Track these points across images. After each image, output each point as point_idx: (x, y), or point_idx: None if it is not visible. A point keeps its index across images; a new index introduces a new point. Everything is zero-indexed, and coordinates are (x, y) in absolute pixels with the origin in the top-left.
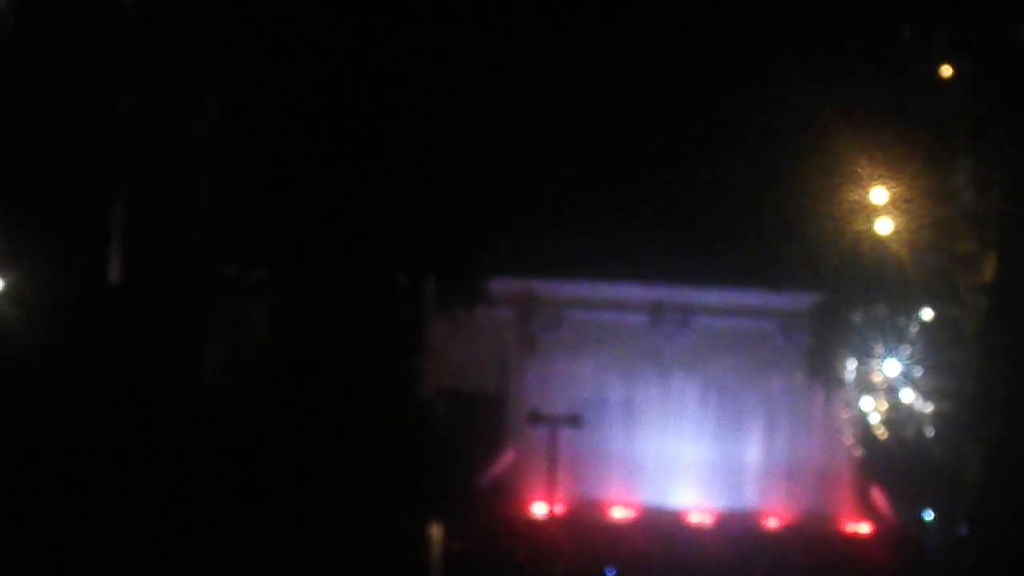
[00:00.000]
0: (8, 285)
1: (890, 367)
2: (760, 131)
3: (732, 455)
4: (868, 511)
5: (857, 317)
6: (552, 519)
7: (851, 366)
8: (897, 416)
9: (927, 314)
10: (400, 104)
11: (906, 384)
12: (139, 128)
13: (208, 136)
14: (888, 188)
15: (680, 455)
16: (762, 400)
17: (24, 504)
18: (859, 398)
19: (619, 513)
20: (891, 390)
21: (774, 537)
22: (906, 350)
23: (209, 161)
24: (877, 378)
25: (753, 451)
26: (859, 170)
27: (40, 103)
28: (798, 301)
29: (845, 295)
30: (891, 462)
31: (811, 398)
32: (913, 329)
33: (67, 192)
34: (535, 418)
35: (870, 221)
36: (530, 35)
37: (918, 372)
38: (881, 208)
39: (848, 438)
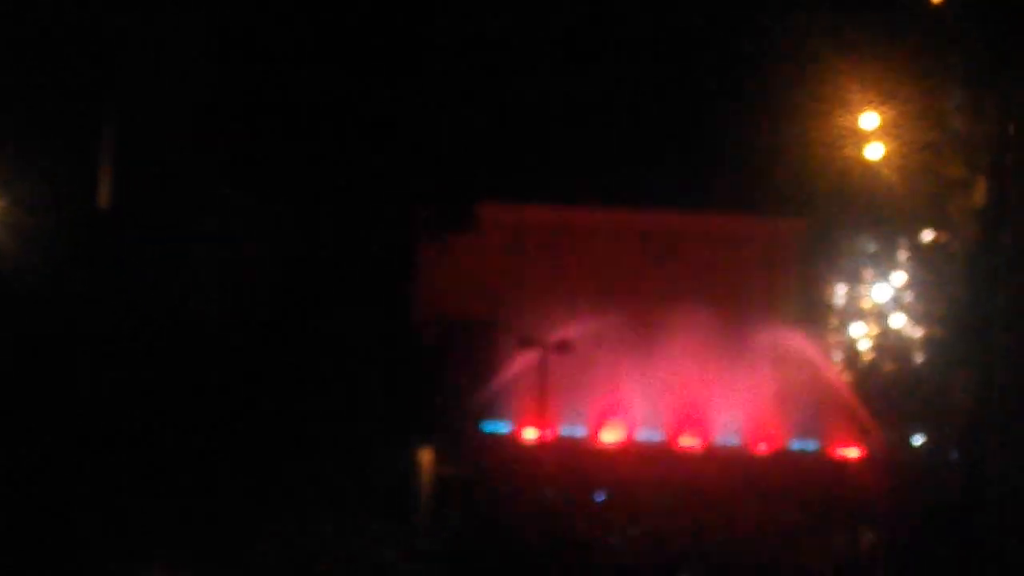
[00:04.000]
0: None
1: (880, 292)
2: (750, 57)
3: (722, 382)
4: (858, 436)
5: (847, 243)
6: (542, 444)
7: (841, 292)
8: (887, 341)
9: (917, 239)
10: (391, 31)
11: (896, 309)
12: (128, 52)
13: (198, 60)
14: (878, 113)
15: (668, 381)
16: (751, 326)
17: (20, 430)
18: (849, 324)
19: (609, 438)
20: (881, 316)
21: (764, 462)
22: (896, 275)
23: (198, 86)
24: (867, 304)
25: (743, 378)
26: (849, 95)
27: (28, 30)
28: (788, 227)
29: (835, 221)
30: (881, 387)
31: (802, 325)
32: (903, 254)
33: (57, 118)
34: (525, 343)
35: (860, 146)
36: None
37: (908, 297)
38: (871, 133)
39: (839, 364)
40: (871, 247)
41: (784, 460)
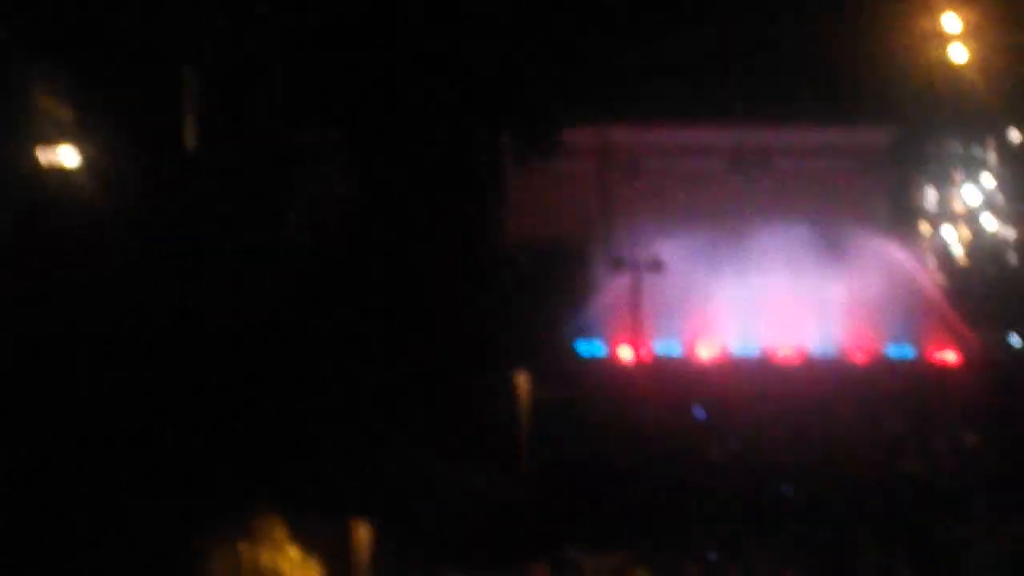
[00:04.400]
0: (85, 159)
1: (971, 195)
2: None
3: (817, 293)
4: (955, 340)
5: (936, 148)
6: (639, 363)
7: (932, 197)
8: (980, 243)
9: (1005, 139)
10: None
11: (988, 211)
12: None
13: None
14: (961, 15)
15: (764, 296)
16: (845, 237)
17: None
18: (942, 228)
19: (705, 354)
20: (973, 218)
21: (861, 370)
22: (986, 177)
23: (278, 25)
24: (959, 207)
25: (838, 288)
26: None
27: None
28: (876, 136)
29: (923, 126)
30: (976, 290)
31: (894, 232)
32: (992, 156)
33: (139, 64)
34: (617, 264)
35: (945, 50)
36: None
37: (999, 198)
38: (955, 35)
39: (933, 269)
40: (960, 150)
41: (882, 367)
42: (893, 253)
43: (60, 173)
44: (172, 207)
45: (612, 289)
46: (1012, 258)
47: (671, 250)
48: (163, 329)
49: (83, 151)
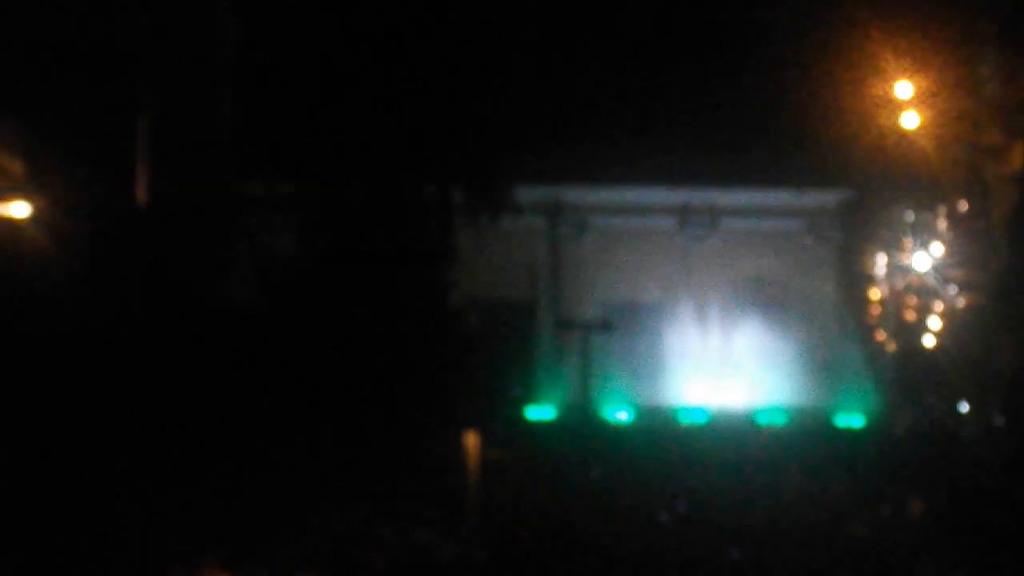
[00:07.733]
0: (36, 209)
1: (920, 261)
2: (784, 28)
3: (766, 357)
4: (903, 407)
5: (885, 213)
6: (587, 425)
7: (881, 262)
8: (929, 310)
9: (955, 207)
10: (424, 14)
11: (937, 277)
12: (162, 45)
13: (231, 52)
14: (914, 82)
15: (713, 358)
16: (793, 299)
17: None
18: (892, 294)
19: (655, 417)
20: (923, 285)
21: (810, 437)
22: (935, 244)
23: (233, 77)
24: (908, 273)
25: (788, 353)
26: (885, 64)
27: (61, 24)
28: (825, 199)
29: (873, 191)
30: (924, 356)
31: (842, 296)
32: (942, 222)
33: (92, 113)
34: (566, 324)
35: (896, 116)
36: None
37: (948, 265)
38: (907, 102)
39: (881, 334)
40: (910, 217)
41: (830, 435)
42: (844, 319)
43: (10, 225)
44: (123, 258)
45: (561, 349)
46: (961, 326)
47: (621, 311)
48: (112, 379)
49: (34, 203)
